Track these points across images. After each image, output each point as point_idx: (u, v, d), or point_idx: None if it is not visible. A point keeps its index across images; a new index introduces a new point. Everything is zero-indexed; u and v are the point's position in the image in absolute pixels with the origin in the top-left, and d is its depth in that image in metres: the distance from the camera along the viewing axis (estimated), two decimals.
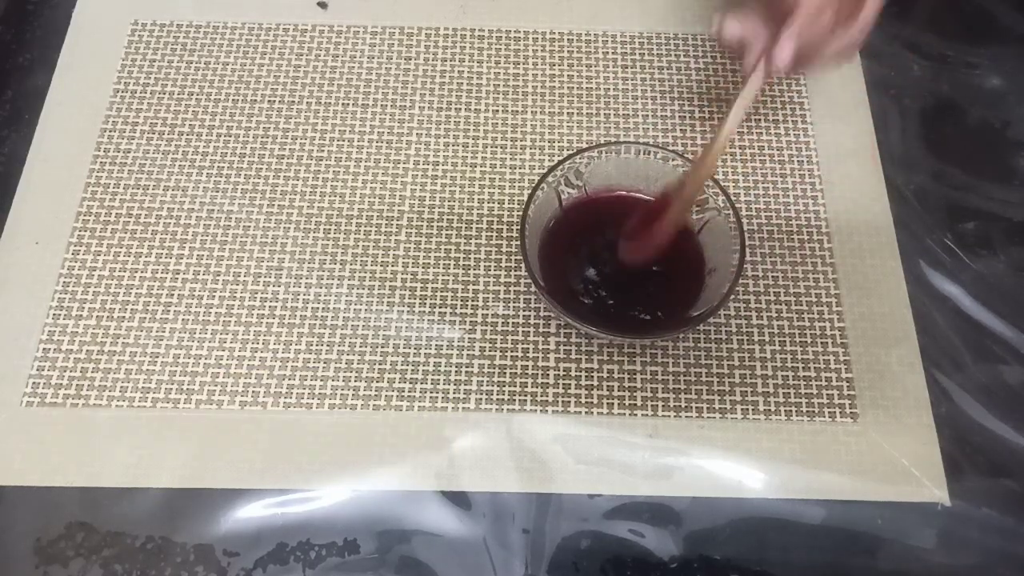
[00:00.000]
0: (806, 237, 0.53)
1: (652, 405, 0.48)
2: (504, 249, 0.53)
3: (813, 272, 0.52)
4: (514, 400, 0.48)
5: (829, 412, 0.48)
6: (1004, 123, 0.58)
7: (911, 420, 0.48)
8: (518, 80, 0.59)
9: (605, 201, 0.51)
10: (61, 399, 0.48)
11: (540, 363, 0.49)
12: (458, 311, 0.51)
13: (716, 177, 0.53)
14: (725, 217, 0.47)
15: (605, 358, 0.50)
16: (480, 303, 0.51)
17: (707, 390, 0.49)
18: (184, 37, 0.60)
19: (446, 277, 0.52)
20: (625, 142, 0.51)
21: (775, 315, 0.51)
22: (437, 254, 0.52)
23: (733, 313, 0.51)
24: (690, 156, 0.54)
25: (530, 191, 0.48)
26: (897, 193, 0.55)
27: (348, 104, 0.58)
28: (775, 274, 0.52)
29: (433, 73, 0.59)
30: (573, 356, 0.50)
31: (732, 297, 0.49)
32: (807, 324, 0.51)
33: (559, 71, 0.59)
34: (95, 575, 0.44)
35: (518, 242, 0.47)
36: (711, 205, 0.48)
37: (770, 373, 0.49)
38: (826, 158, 0.56)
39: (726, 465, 0.47)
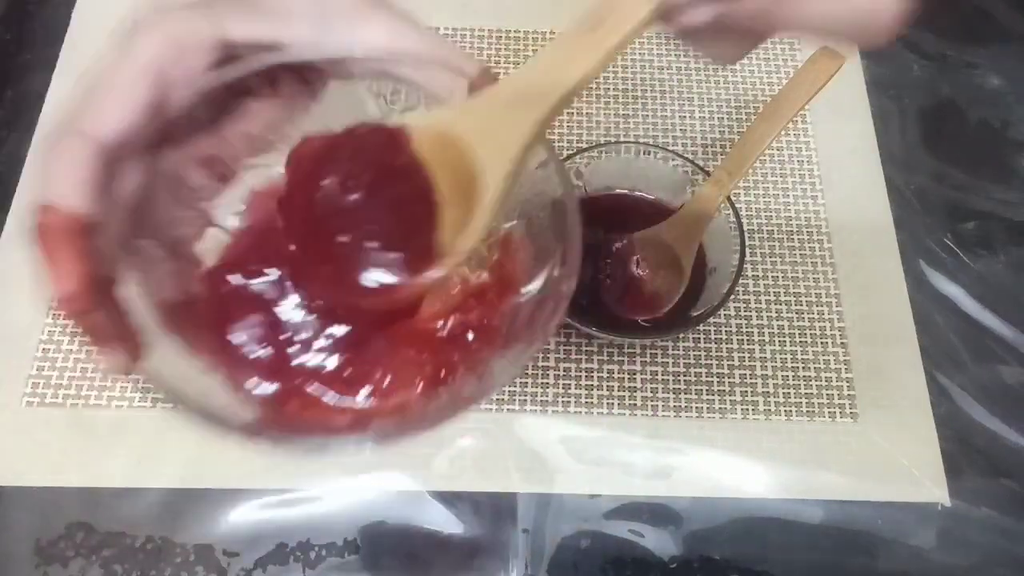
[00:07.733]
0: (806, 237, 0.53)
1: (652, 405, 0.48)
2: None
3: (813, 272, 0.52)
4: (514, 400, 0.48)
5: (829, 412, 0.48)
6: (1004, 123, 0.58)
7: (911, 420, 0.48)
8: None
9: (605, 201, 0.51)
10: (61, 399, 0.48)
11: (540, 363, 0.49)
12: None
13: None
14: (725, 217, 0.47)
15: (605, 358, 0.50)
16: None
17: (707, 390, 0.49)
18: None
19: None
20: (625, 142, 0.51)
21: (775, 315, 0.51)
22: None
23: (733, 313, 0.51)
24: (690, 156, 0.54)
25: None
26: (897, 193, 0.55)
27: None
28: (775, 274, 0.52)
29: None
30: (573, 356, 0.50)
31: (732, 297, 0.49)
32: (807, 324, 0.51)
33: None
34: (95, 575, 0.44)
35: None
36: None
37: (770, 373, 0.49)
38: (826, 158, 0.56)
39: (726, 465, 0.47)
